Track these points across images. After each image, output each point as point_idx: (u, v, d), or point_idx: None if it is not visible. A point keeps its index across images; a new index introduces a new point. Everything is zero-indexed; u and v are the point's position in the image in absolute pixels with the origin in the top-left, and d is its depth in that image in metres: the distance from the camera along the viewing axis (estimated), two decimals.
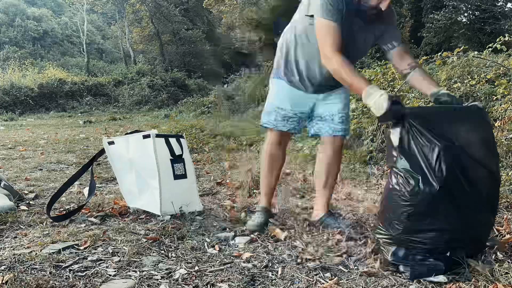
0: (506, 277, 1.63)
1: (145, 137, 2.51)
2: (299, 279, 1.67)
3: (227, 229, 2.28)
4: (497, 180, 1.79)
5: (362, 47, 2.13)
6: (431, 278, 1.62)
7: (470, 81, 5.26)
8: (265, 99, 2.38)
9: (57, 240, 2.06)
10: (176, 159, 2.60)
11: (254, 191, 3.02)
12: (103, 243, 2.04)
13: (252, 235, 2.17)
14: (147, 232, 2.22)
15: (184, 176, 2.61)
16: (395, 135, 1.76)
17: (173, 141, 2.60)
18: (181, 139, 2.67)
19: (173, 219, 2.41)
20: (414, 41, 18.52)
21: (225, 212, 2.62)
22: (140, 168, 2.58)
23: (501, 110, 3.90)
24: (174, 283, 1.64)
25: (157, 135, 2.52)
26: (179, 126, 7.38)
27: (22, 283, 1.55)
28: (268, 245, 2.05)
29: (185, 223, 2.35)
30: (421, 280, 1.62)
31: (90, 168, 2.73)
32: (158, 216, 2.47)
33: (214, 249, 2.00)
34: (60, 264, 1.79)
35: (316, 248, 1.97)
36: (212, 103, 12.79)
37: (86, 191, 2.99)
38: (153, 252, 1.95)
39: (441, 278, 1.62)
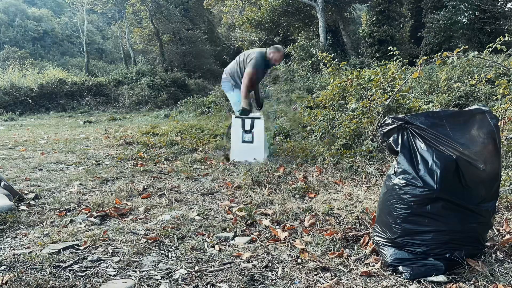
0: (506, 277, 1.63)
1: (236, 117, 4.47)
2: (299, 279, 1.67)
3: (227, 229, 2.29)
4: (497, 181, 1.79)
5: (260, 78, 4.84)
6: (431, 278, 1.63)
7: (470, 81, 5.26)
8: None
9: (57, 240, 2.06)
10: (246, 131, 4.44)
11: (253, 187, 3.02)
12: (103, 243, 2.04)
13: (252, 235, 2.17)
14: (147, 232, 2.23)
15: (251, 142, 4.42)
16: (394, 138, 1.76)
17: (247, 121, 4.42)
18: (255, 120, 4.43)
19: (173, 219, 2.41)
20: (414, 41, 18.52)
21: (225, 212, 2.62)
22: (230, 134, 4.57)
23: (501, 110, 3.90)
24: (174, 283, 1.64)
25: (236, 117, 4.46)
26: (179, 126, 7.35)
27: (22, 283, 1.56)
28: (268, 245, 2.05)
29: (185, 223, 2.35)
30: (421, 280, 1.63)
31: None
32: (162, 219, 2.48)
33: (214, 249, 2.00)
34: (60, 264, 1.79)
35: (316, 248, 1.97)
36: (212, 103, 12.76)
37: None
38: (153, 252, 1.95)
39: (441, 278, 1.62)
